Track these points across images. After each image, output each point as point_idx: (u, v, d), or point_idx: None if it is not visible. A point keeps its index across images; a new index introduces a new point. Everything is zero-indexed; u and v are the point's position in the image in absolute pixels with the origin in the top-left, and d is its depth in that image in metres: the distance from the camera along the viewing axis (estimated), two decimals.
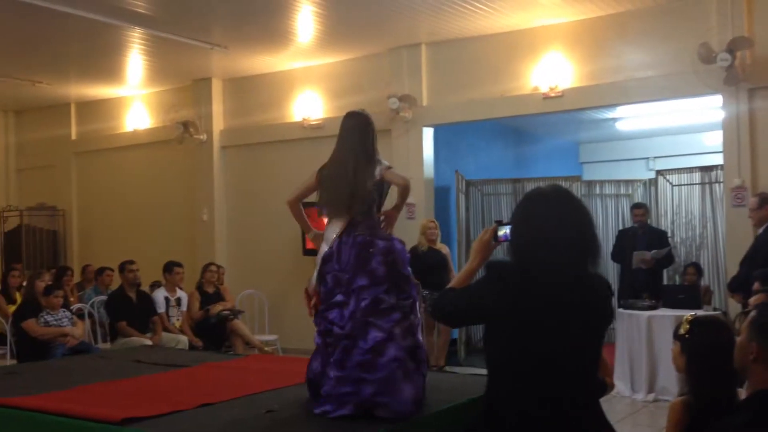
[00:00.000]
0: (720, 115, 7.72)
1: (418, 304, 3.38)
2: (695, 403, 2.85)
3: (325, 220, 3.48)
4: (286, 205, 3.75)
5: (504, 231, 2.69)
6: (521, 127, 12.22)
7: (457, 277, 2.75)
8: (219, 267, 9.05)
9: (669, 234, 8.79)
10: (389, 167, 3.48)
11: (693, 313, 3.13)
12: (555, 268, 2.41)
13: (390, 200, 3.56)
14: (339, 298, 3.22)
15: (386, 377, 3.04)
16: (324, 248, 3.36)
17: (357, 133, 3.51)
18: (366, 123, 3.53)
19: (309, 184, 3.61)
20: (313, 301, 3.40)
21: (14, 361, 7.06)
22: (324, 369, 3.21)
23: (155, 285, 8.76)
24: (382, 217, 3.49)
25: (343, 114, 3.62)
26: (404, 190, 3.51)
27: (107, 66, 10.02)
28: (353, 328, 3.13)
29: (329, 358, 3.18)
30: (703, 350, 2.92)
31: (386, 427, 3.05)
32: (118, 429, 3.11)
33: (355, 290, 3.17)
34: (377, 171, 3.40)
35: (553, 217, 2.45)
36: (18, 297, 8.59)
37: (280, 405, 3.48)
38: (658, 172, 9.57)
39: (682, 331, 3.03)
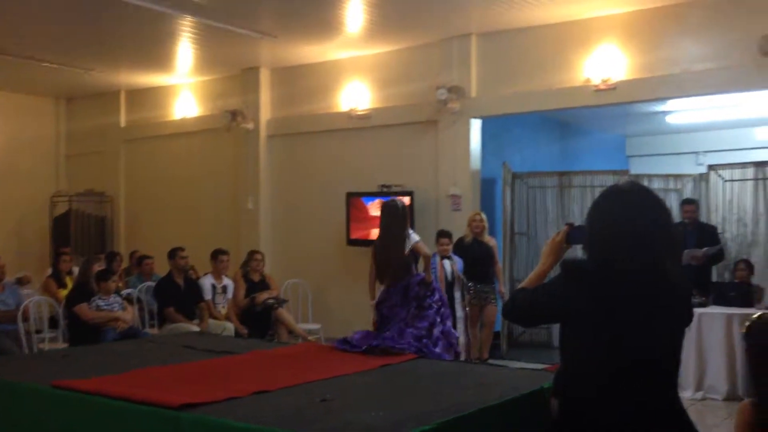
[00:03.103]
0: None
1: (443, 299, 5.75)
2: (760, 405, 2.78)
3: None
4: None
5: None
6: (568, 119, 12.06)
7: (528, 278, 2.72)
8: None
9: (719, 230, 8.60)
10: (418, 240, 5.67)
11: (762, 312, 3.06)
12: (638, 262, 2.36)
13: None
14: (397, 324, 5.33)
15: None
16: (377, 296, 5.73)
17: (391, 217, 5.57)
18: (401, 210, 5.59)
19: (371, 258, 5.82)
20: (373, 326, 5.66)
21: (66, 345, 7.20)
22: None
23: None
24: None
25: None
26: (426, 259, 5.80)
27: (157, 54, 10.14)
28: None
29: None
30: (764, 350, 2.85)
31: (441, 421, 3.03)
32: (175, 414, 3.14)
33: (403, 319, 5.30)
34: (409, 244, 5.52)
35: (633, 211, 2.40)
36: (69, 281, 8.75)
37: (334, 394, 3.48)
38: (710, 167, 9.35)
39: (744, 330, 2.97)
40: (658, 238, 2.40)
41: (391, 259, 5.42)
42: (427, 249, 5.81)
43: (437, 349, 5.22)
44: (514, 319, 2.77)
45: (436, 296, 5.33)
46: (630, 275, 2.36)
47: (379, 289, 5.59)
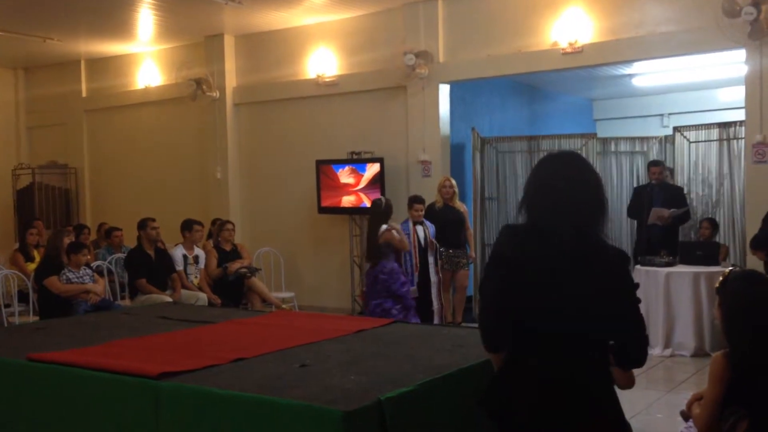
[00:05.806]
0: (740, 71, 7.60)
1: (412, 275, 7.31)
2: (732, 356, 2.85)
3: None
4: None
5: None
6: (536, 83, 12.09)
7: None
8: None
9: (685, 191, 8.74)
10: (390, 229, 6.81)
11: (731, 268, 3.13)
12: (559, 223, 2.42)
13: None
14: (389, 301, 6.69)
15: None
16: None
17: (373, 214, 6.97)
18: (381, 208, 6.92)
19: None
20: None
21: (36, 318, 7.12)
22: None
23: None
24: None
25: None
26: (399, 244, 6.92)
27: (118, 22, 9.89)
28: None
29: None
30: (735, 303, 2.92)
31: (420, 382, 3.07)
32: (155, 383, 3.14)
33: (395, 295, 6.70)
34: (381, 232, 6.74)
35: (561, 176, 2.48)
36: (36, 255, 8.62)
37: (312, 359, 3.50)
38: (676, 129, 9.45)
39: (717, 284, 3.04)
40: (582, 202, 2.45)
41: (368, 244, 6.83)
42: (394, 237, 6.83)
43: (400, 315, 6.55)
44: (487, 334, 2.53)
45: (402, 279, 6.80)
46: (553, 232, 2.42)
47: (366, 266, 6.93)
